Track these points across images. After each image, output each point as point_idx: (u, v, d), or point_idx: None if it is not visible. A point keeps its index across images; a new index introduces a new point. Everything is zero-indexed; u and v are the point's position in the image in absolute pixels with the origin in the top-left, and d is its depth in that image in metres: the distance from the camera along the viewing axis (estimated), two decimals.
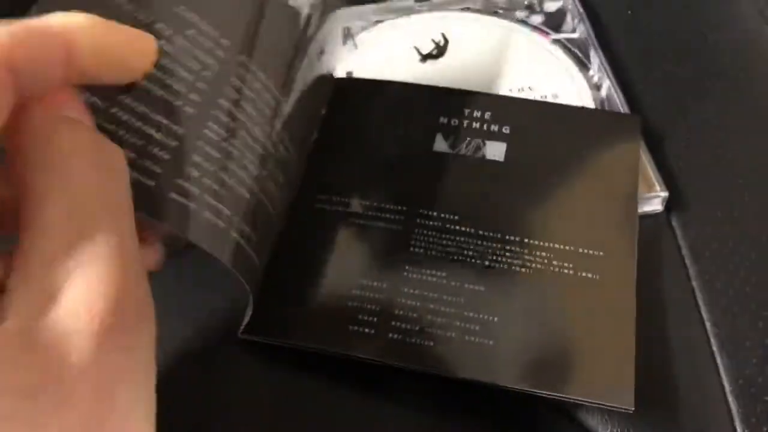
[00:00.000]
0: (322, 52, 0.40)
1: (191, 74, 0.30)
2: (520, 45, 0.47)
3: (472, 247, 0.38)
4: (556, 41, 0.48)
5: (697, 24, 0.50)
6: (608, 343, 0.36)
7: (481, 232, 0.39)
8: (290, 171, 0.38)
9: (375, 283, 0.37)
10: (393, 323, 0.36)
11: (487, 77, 0.46)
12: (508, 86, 0.45)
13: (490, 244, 0.39)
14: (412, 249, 0.38)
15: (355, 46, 0.47)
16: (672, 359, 0.37)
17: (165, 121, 0.28)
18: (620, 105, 0.45)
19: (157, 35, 0.27)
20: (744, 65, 0.48)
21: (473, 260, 0.38)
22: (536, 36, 0.48)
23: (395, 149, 0.42)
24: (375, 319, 0.36)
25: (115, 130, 0.27)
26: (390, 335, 0.36)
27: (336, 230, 0.39)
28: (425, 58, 0.46)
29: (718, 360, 0.37)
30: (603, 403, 0.34)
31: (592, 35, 0.48)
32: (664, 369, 0.37)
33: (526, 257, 0.38)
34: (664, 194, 0.41)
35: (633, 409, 0.34)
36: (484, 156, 0.42)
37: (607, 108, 0.45)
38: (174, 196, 0.28)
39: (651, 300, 0.38)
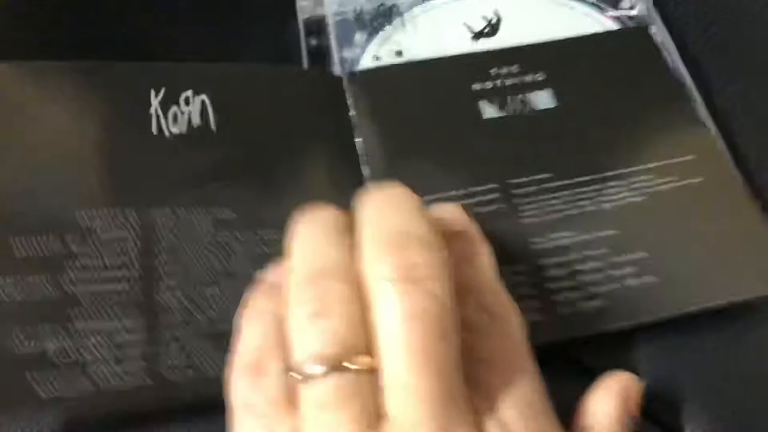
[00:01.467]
0: None
1: None
2: (576, 22, 0.44)
3: (580, 196, 0.36)
4: (615, 18, 0.45)
5: None
6: (746, 236, 0.35)
7: (579, 179, 0.36)
8: None
9: (518, 266, 0.34)
10: (552, 298, 0.33)
11: None
12: None
13: (595, 187, 0.36)
14: (522, 221, 0.35)
15: (404, 24, 0.43)
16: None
17: None
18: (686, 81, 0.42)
19: None
20: None
21: (591, 207, 0.36)
22: (593, 12, 0.45)
23: (448, 132, 0.39)
24: (535, 301, 0.33)
25: None
26: (558, 310, 0.33)
27: None
28: (477, 36, 0.43)
29: None
30: (760, 294, 0.34)
31: (653, 11, 0.45)
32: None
33: (635, 186, 0.36)
34: None
35: None
36: (534, 108, 0.39)
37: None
38: None
39: None
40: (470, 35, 0.43)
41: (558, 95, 0.40)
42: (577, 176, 0.36)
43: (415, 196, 0.27)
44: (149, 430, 0.31)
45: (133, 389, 0.30)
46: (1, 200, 0.33)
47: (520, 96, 0.40)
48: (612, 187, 0.36)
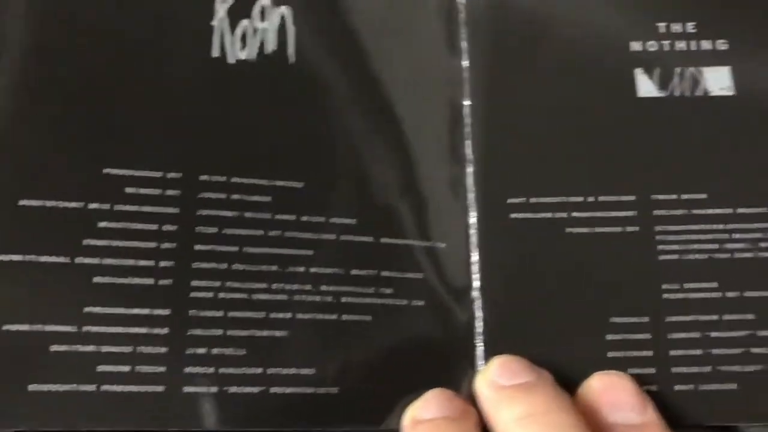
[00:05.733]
0: None
1: None
2: None
3: (737, 235, 0.27)
4: None
5: None
6: None
7: (743, 211, 0.27)
8: None
9: (638, 317, 0.26)
10: (672, 370, 0.25)
11: None
12: None
13: (757, 225, 0.27)
14: (658, 256, 0.27)
15: None
16: None
17: None
18: None
19: None
20: None
21: (745, 254, 0.27)
22: None
23: (585, 108, 0.29)
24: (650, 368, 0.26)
25: None
26: (674, 386, 0.25)
27: (557, 247, 0.27)
28: None
29: None
30: None
31: None
32: None
33: None
34: None
35: None
36: (707, 91, 0.29)
37: None
38: None
39: None
40: None
41: (739, 78, 0.29)
42: (741, 205, 0.27)
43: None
44: None
45: (140, 395, 0.23)
46: None
47: (691, 70, 0.30)
48: None
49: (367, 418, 0.25)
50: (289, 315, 0.25)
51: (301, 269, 0.26)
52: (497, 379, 0.25)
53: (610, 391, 0.25)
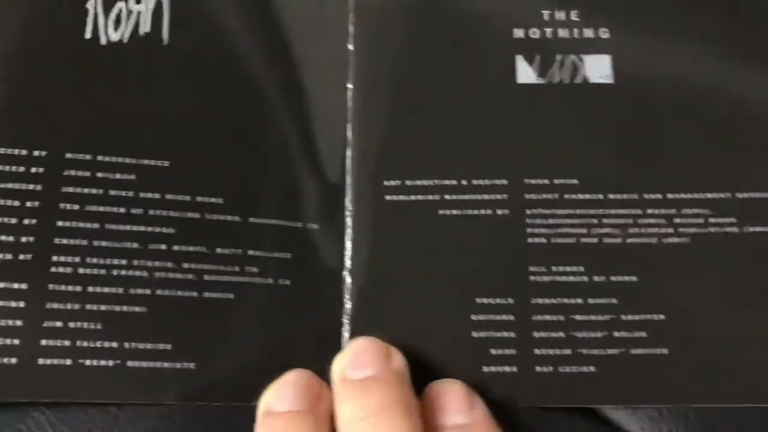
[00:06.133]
0: None
1: None
2: None
3: (607, 220, 0.27)
4: None
5: None
6: None
7: (613, 197, 0.27)
8: None
9: (502, 299, 0.26)
10: (533, 351, 0.25)
11: None
12: None
13: (631, 211, 0.27)
14: (527, 239, 0.27)
15: None
16: None
17: None
18: None
19: None
20: None
21: (613, 239, 0.27)
22: None
23: (463, 91, 0.29)
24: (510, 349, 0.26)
25: None
26: (535, 367, 0.26)
27: (428, 229, 0.27)
28: None
29: None
30: None
31: None
32: None
33: (677, 220, 0.27)
34: None
35: None
36: (586, 79, 0.29)
37: None
38: None
39: None
40: None
41: (619, 67, 0.29)
42: (612, 191, 0.27)
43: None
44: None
45: None
46: None
47: (572, 57, 0.30)
48: (654, 216, 0.27)
49: (229, 395, 0.25)
50: (148, 291, 0.26)
51: (163, 247, 0.26)
52: (346, 371, 0.25)
53: (441, 397, 0.25)
